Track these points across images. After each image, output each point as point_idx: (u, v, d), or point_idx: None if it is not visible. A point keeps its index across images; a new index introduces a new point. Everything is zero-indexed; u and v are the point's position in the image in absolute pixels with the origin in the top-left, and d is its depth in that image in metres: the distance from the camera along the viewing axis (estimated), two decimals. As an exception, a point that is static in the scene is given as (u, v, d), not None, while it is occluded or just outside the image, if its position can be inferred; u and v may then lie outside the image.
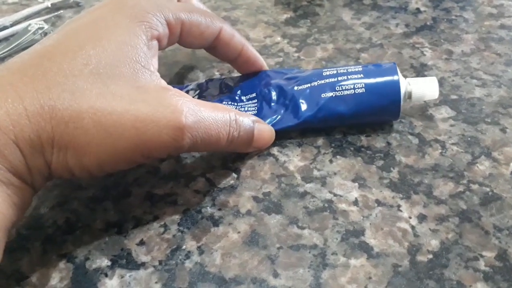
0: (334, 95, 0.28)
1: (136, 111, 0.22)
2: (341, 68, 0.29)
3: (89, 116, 0.22)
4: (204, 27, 0.28)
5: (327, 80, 0.29)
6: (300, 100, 0.29)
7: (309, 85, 0.29)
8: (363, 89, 0.28)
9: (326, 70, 0.30)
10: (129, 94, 0.23)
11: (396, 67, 0.28)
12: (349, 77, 0.28)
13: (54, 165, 0.22)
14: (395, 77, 0.28)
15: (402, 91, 0.28)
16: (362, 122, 0.29)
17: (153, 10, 0.26)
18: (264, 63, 0.33)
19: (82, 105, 0.22)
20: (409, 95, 0.29)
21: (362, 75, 0.28)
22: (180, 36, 0.28)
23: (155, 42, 0.26)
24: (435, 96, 0.29)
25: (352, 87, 0.28)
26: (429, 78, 0.29)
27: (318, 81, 0.29)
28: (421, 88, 0.28)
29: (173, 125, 0.23)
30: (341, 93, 0.28)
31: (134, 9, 0.25)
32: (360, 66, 0.29)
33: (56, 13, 0.46)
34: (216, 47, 0.30)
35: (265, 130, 0.28)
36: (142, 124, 0.22)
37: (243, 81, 0.32)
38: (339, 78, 0.28)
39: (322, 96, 0.28)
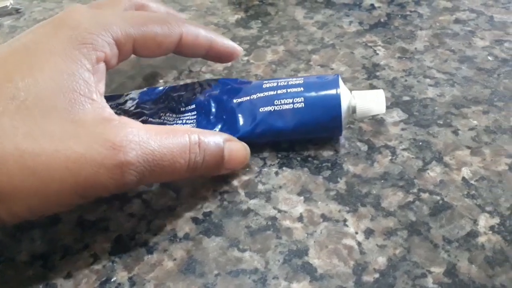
0: (272, 110, 0.26)
1: (68, 150, 0.20)
2: (282, 80, 0.27)
3: (14, 159, 0.19)
4: (161, 37, 0.26)
5: (266, 93, 0.27)
6: (238, 114, 0.27)
7: (248, 98, 0.27)
8: (303, 103, 0.26)
9: (266, 82, 0.28)
10: (62, 130, 0.20)
11: (338, 79, 0.27)
12: (288, 90, 0.26)
13: None
14: (336, 91, 0.26)
15: (345, 105, 0.26)
16: (305, 138, 0.28)
17: (97, 30, 0.23)
18: (237, 49, 0.30)
19: (5, 147, 0.19)
20: (353, 110, 0.27)
21: (302, 89, 0.26)
22: (134, 51, 0.25)
23: (101, 65, 0.23)
24: (382, 111, 0.27)
25: (291, 102, 0.26)
26: (376, 91, 0.27)
27: (258, 94, 0.27)
28: (367, 102, 0.26)
29: (110, 163, 0.20)
30: (280, 107, 0.26)
31: (75, 30, 0.22)
32: (302, 78, 0.27)
33: (-7, 22, 0.43)
34: (179, 51, 0.28)
35: (237, 149, 0.26)
36: (75, 165, 0.20)
37: (184, 91, 0.30)
38: (279, 92, 0.27)
39: (260, 110, 0.27)
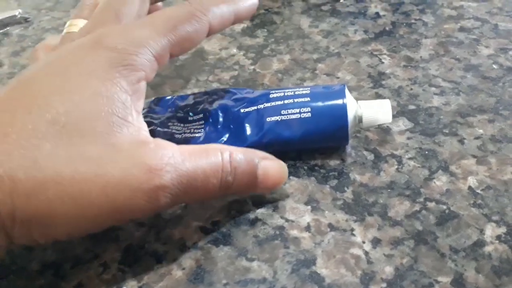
0: (280, 119, 0.27)
1: (106, 175, 0.20)
2: (288, 90, 0.28)
3: (54, 185, 0.19)
4: (194, 35, 0.25)
5: (273, 103, 0.27)
6: (246, 124, 0.27)
7: (255, 107, 0.28)
8: (309, 113, 0.26)
9: (273, 91, 0.28)
10: (100, 154, 0.20)
11: (344, 89, 0.27)
12: (295, 100, 0.27)
13: (16, 238, 0.20)
14: (342, 101, 0.26)
15: (351, 115, 0.26)
16: (312, 148, 0.28)
17: (136, 49, 0.23)
18: (255, 5, 0.29)
19: (46, 174, 0.19)
20: (359, 119, 0.27)
21: (309, 99, 0.27)
22: (171, 57, 0.25)
23: (142, 84, 0.23)
24: (388, 120, 0.27)
25: (298, 111, 0.26)
26: (382, 101, 0.27)
27: (265, 103, 0.27)
28: (373, 112, 0.27)
29: (147, 187, 0.20)
30: (287, 117, 0.27)
31: (114, 52, 0.22)
32: (308, 88, 0.28)
33: (2, 30, 0.43)
34: (208, 35, 0.27)
35: (272, 167, 0.25)
36: (113, 190, 0.20)
37: (192, 101, 0.30)
38: (286, 101, 0.27)
39: (267, 120, 0.27)
